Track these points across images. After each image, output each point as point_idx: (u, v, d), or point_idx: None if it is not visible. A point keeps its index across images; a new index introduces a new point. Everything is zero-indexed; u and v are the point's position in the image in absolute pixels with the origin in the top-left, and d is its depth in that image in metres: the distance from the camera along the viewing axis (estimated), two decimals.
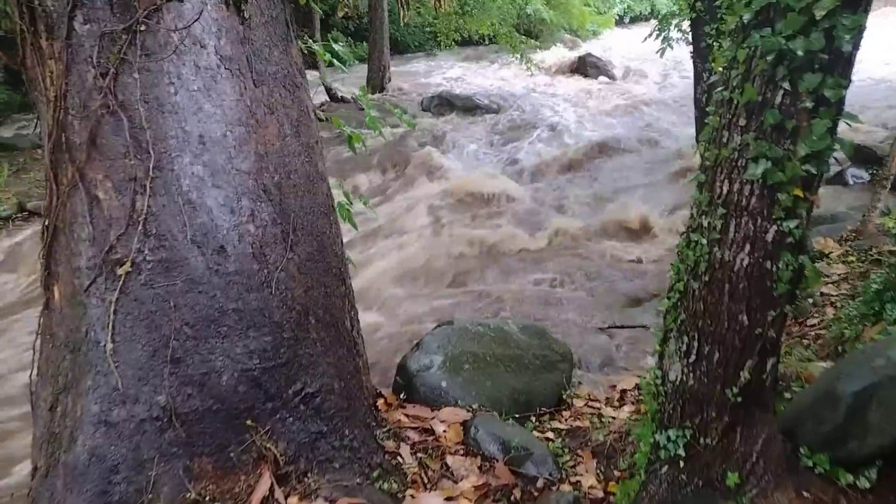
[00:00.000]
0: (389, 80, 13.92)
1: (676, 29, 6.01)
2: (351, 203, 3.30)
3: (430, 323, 4.22)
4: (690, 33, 4.42)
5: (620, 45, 18.59)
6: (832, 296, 3.65)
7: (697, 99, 4.18)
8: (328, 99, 12.07)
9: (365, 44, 15.19)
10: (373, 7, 13.68)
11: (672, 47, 6.06)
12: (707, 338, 1.61)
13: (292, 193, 2.22)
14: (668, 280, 1.72)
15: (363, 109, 3.24)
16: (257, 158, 2.11)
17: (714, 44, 3.99)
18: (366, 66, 14.05)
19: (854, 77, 1.48)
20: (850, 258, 4.17)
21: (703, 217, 1.60)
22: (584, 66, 14.96)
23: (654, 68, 14.41)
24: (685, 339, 1.65)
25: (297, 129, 2.28)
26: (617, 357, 4.02)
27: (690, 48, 4.43)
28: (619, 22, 23.46)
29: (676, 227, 5.87)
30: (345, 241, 2.67)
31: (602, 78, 14.32)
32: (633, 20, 24.38)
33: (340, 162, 8.34)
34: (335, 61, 3.03)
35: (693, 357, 1.65)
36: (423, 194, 7.39)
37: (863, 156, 6.35)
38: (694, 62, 4.21)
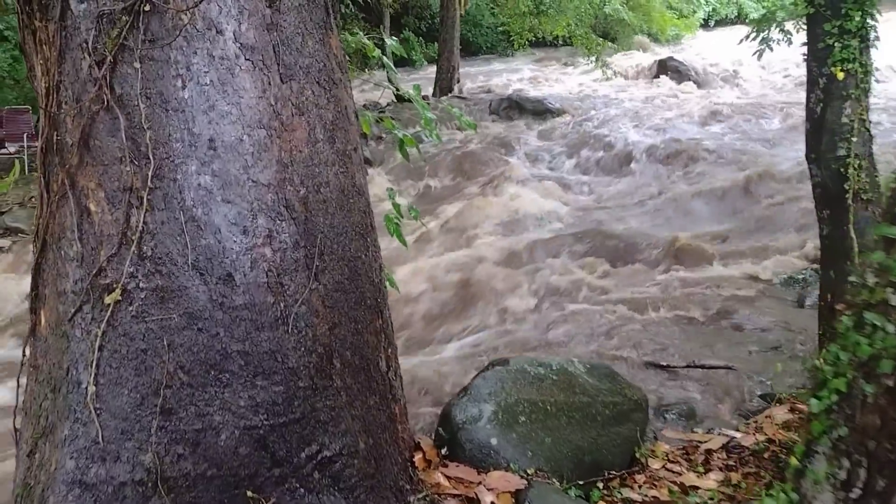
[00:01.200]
0: (458, 81, 13.60)
1: (778, 29, 5.34)
2: (401, 216, 2.92)
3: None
4: (806, 32, 3.78)
5: (705, 49, 17.58)
6: None
7: (810, 109, 3.53)
8: (395, 99, 11.83)
9: (436, 44, 14.93)
10: (444, 6, 13.38)
11: (772, 49, 5.38)
12: (883, 468, 1.10)
13: (321, 210, 1.84)
14: (817, 372, 1.22)
15: (434, 110, 2.89)
16: (280, 168, 1.75)
17: (836, 44, 3.36)
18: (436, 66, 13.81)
19: None
20: None
21: (891, 291, 1.09)
22: (666, 71, 14.13)
23: (743, 73, 13.43)
24: (845, 461, 1.15)
25: (331, 134, 1.91)
26: (700, 405, 3.45)
27: (803, 50, 3.78)
28: (704, 25, 22.32)
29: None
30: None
31: (685, 84, 13.44)
32: (718, 23, 23.17)
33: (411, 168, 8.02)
34: (385, 59, 2.66)
35: (857, 491, 1.14)
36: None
37: None
38: (808, 66, 3.56)
